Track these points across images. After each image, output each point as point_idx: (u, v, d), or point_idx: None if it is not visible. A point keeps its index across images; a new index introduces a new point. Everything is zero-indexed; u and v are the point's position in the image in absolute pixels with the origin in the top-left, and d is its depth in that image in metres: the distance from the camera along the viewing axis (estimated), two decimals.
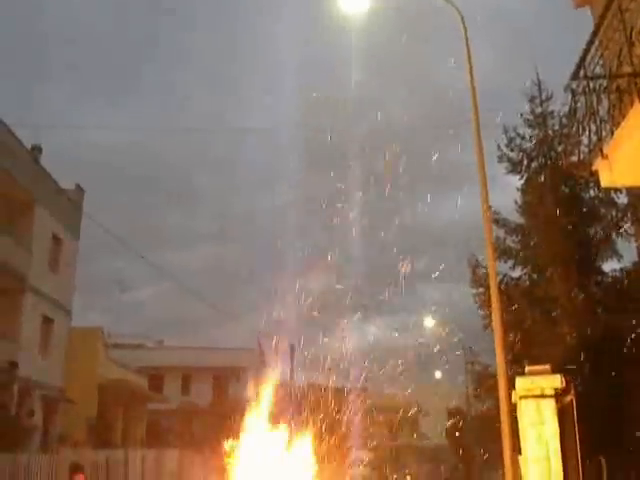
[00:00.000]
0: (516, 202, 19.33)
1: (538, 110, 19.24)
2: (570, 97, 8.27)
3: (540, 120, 19.19)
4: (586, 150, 8.28)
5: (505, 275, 18.70)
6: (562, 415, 9.81)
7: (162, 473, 25.26)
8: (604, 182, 8.13)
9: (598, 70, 8.01)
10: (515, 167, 19.25)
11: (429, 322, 40.38)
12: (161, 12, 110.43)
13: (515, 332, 16.43)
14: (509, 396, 11.00)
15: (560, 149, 18.41)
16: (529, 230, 18.71)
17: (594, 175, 8.67)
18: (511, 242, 19.11)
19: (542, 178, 18.71)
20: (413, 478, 42.59)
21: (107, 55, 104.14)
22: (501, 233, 18.96)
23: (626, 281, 17.16)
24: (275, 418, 8.07)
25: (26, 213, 26.80)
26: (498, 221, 18.69)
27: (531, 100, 19.24)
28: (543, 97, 19.21)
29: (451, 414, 52.15)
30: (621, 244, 17.76)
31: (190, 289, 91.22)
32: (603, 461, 12.70)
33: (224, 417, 33.40)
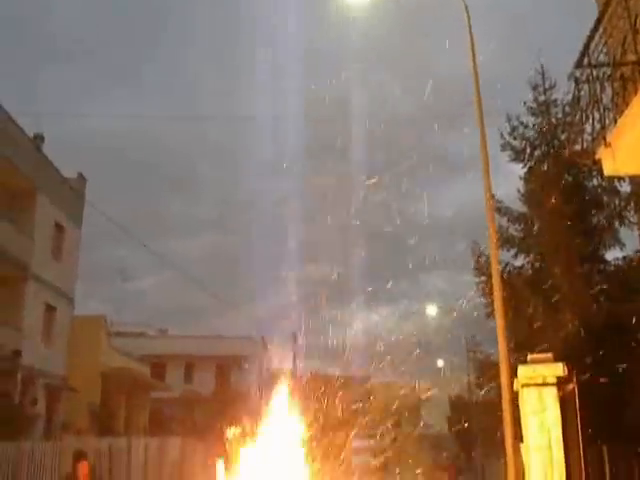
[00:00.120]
0: (519, 190, 19.30)
1: (541, 98, 19.17)
2: (574, 85, 8.23)
3: (543, 108, 19.12)
4: (589, 138, 8.24)
5: (508, 264, 18.69)
6: (564, 403, 9.82)
7: (165, 461, 25.38)
8: (607, 170, 8.10)
9: (602, 58, 7.96)
10: (518, 155, 19.20)
11: (432, 310, 40.44)
12: None
13: (517, 320, 16.44)
14: (511, 384, 11.02)
15: (563, 137, 18.35)
16: (532, 219, 18.68)
17: (597, 163, 8.65)
18: (514, 231, 19.09)
19: (545, 166, 18.65)
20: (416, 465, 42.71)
21: (109, 42, 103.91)
22: (504, 222, 18.94)
23: (629, 270, 17.15)
24: (277, 406, 8.09)
25: (28, 201, 26.82)
26: (501, 210, 18.66)
27: (534, 88, 19.16)
28: (546, 85, 19.13)
29: (453, 403, 52.33)
30: (624, 232, 17.75)
31: (192, 278, 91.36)
32: (605, 449, 12.73)
33: (226, 405, 33.58)
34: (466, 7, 12.98)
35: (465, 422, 40.24)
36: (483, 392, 24.75)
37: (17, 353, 23.76)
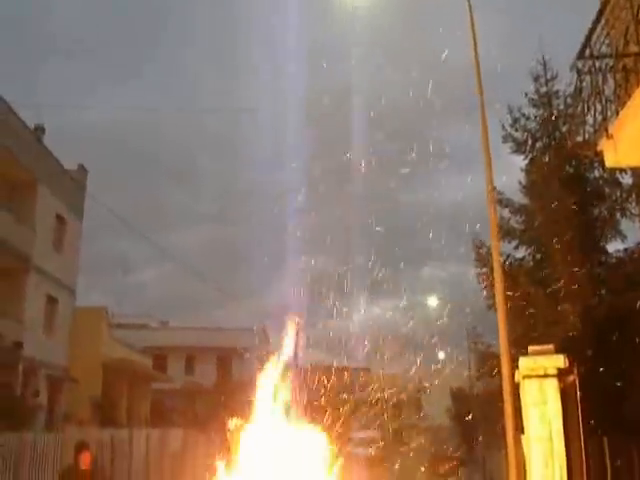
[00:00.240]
0: (520, 182, 19.28)
1: (543, 90, 19.11)
2: (575, 76, 8.21)
3: (545, 100, 19.06)
4: (591, 130, 8.23)
5: (509, 255, 18.68)
6: (565, 395, 9.83)
7: (166, 452, 25.43)
8: (609, 162, 8.09)
9: (604, 49, 7.94)
10: (519, 147, 19.16)
11: (433, 302, 40.45)
12: None
13: (518, 312, 16.44)
14: (512, 376, 11.03)
15: (565, 129, 18.31)
16: (533, 210, 18.65)
17: (599, 155, 8.63)
18: (515, 222, 19.08)
19: (546, 158, 18.62)
20: (417, 457, 42.82)
21: (109, 41, 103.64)
22: (505, 213, 18.92)
23: (630, 262, 17.14)
24: (279, 398, 8.09)
25: (29, 193, 26.81)
26: (502, 201, 18.64)
27: (536, 79, 19.10)
28: (548, 76, 19.06)
29: (454, 394, 52.41)
30: (625, 224, 17.72)
31: (193, 269, 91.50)
32: (605, 441, 12.77)
33: (228, 397, 33.63)
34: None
35: (466, 414, 40.33)
36: (484, 384, 24.80)
37: (18, 344, 23.80)
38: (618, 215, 17.70)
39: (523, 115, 19.15)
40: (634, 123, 7.20)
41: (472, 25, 13.00)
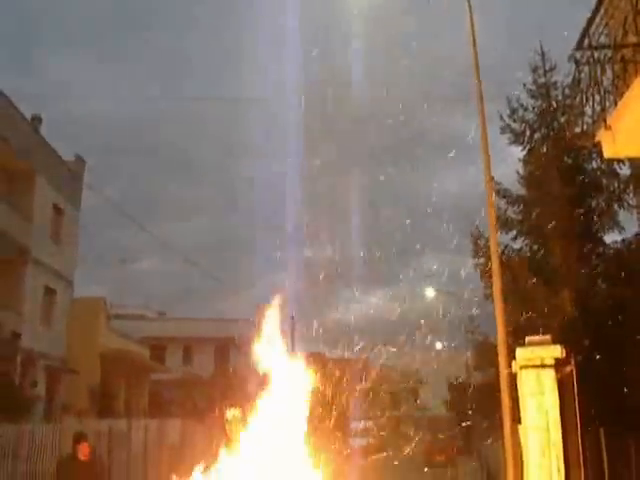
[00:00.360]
0: (518, 173, 19.29)
1: (541, 80, 19.09)
2: (574, 67, 8.20)
3: (543, 91, 19.04)
4: (589, 121, 8.23)
5: (507, 246, 18.70)
6: (562, 385, 9.86)
7: (164, 442, 25.49)
8: (607, 153, 8.10)
9: (603, 40, 7.93)
10: (518, 138, 19.15)
11: (430, 293, 40.45)
12: None
13: (516, 303, 16.48)
14: (509, 366, 11.06)
15: (563, 120, 18.29)
16: (531, 201, 18.66)
17: (597, 146, 8.63)
18: (513, 213, 19.09)
19: (545, 149, 18.62)
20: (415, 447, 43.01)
21: (106, 23, 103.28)
22: (503, 204, 18.93)
23: (628, 252, 17.17)
24: (276, 389, 8.11)
25: (26, 184, 26.74)
26: (500, 192, 18.64)
27: (534, 70, 19.07)
28: (547, 67, 19.03)
29: (451, 385, 52.54)
30: (623, 215, 17.74)
31: (190, 260, 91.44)
32: (602, 431, 12.83)
33: (226, 387, 33.70)
34: None
35: (463, 404, 40.43)
36: (481, 374, 24.87)
37: (16, 335, 23.80)
38: (616, 206, 17.72)
39: (521, 106, 19.14)
40: (632, 114, 7.20)
41: (471, 20, 12.98)
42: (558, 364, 9.91)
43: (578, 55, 8.09)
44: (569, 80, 12.55)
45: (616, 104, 7.66)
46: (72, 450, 10.63)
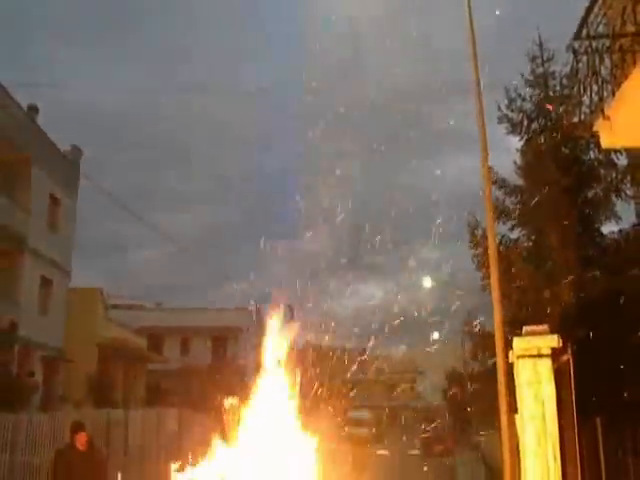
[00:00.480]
0: (515, 163, 19.26)
1: (539, 70, 19.03)
2: (572, 57, 8.18)
3: (541, 80, 18.99)
4: (587, 111, 8.22)
5: (504, 236, 18.69)
6: (559, 375, 9.89)
7: (162, 432, 25.56)
8: (604, 143, 8.09)
9: (601, 29, 7.91)
10: (515, 128, 19.11)
11: (427, 282, 40.50)
12: None
13: (513, 293, 16.49)
14: (506, 356, 11.09)
15: (561, 110, 18.26)
16: (528, 191, 18.65)
17: (595, 136, 8.62)
18: (510, 203, 19.07)
19: (542, 139, 18.58)
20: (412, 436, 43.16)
21: (105, 15, 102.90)
22: (500, 194, 18.91)
23: (625, 243, 17.17)
24: (273, 378, 8.13)
25: (23, 174, 26.70)
26: (497, 182, 18.62)
27: (532, 60, 19.02)
28: (545, 57, 18.97)
29: (448, 375, 52.69)
30: (620, 206, 17.73)
31: (188, 251, 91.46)
32: (598, 421, 12.85)
33: (223, 376, 33.79)
34: None
35: (461, 394, 40.59)
36: (478, 364, 24.91)
37: (14, 325, 23.81)
38: (613, 196, 17.71)
39: (519, 96, 19.09)
40: (630, 104, 7.20)
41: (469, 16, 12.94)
42: (555, 354, 9.95)
43: (576, 45, 8.07)
44: (567, 70, 12.54)
45: (614, 94, 7.65)
46: (70, 440, 10.65)
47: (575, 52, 8.10)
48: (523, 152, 19.07)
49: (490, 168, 13.59)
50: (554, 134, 17.93)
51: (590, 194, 17.97)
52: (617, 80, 7.72)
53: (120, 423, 21.68)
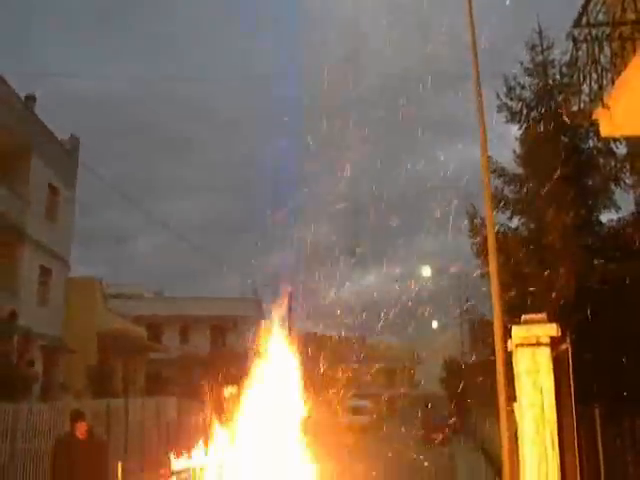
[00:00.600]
0: (514, 152, 19.23)
1: (539, 58, 18.97)
2: (572, 45, 8.15)
3: (540, 69, 18.94)
4: (587, 99, 8.19)
5: (502, 225, 18.68)
6: (557, 364, 9.90)
7: (162, 420, 25.63)
8: (604, 132, 8.08)
9: (601, 17, 7.88)
10: (514, 117, 19.08)
11: (426, 271, 40.56)
12: None
13: (512, 281, 16.49)
14: (505, 344, 11.10)
15: (560, 98, 18.21)
16: (527, 180, 18.63)
17: (594, 125, 8.60)
18: (509, 192, 19.06)
19: (541, 128, 18.54)
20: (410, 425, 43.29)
21: (106, 3, 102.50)
22: (499, 183, 18.89)
23: (624, 231, 17.17)
24: (272, 366, 8.14)
25: (21, 163, 26.64)
26: (496, 171, 18.60)
27: (532, 48, 18.95)
28: (544, 45, 18.91)
29: (447, 364, 52.80)
30: (619, 195, 17.73)
31: (187, 240, 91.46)
32: (597, 409, 12.88)
33: (222, 365, 33.84)
34: None
35: (459, 383, 40.66)
36: (477, 353, 24.96)
37: (13, 315, 23.81)
38: (612, 185, 17.70)
39: (519, 84, 19.04)
40: (630, 92, 7.18)
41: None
42: (554, 342, 9.96)
43: (576, 33, 8.04)
44: (567, 58, 12.50)
45: (614, 82, 7.62)
46: (70, 429, 10.67)
47: (575, 40, 8.07)
48: (522, 141, 19.04)
49: (489, 156, 13.57)
50: (553, 123, 17.88)
51: (589, 183, 17.96)
52: (617, 68, 7.70)
53: (120, 412, 21.74)
